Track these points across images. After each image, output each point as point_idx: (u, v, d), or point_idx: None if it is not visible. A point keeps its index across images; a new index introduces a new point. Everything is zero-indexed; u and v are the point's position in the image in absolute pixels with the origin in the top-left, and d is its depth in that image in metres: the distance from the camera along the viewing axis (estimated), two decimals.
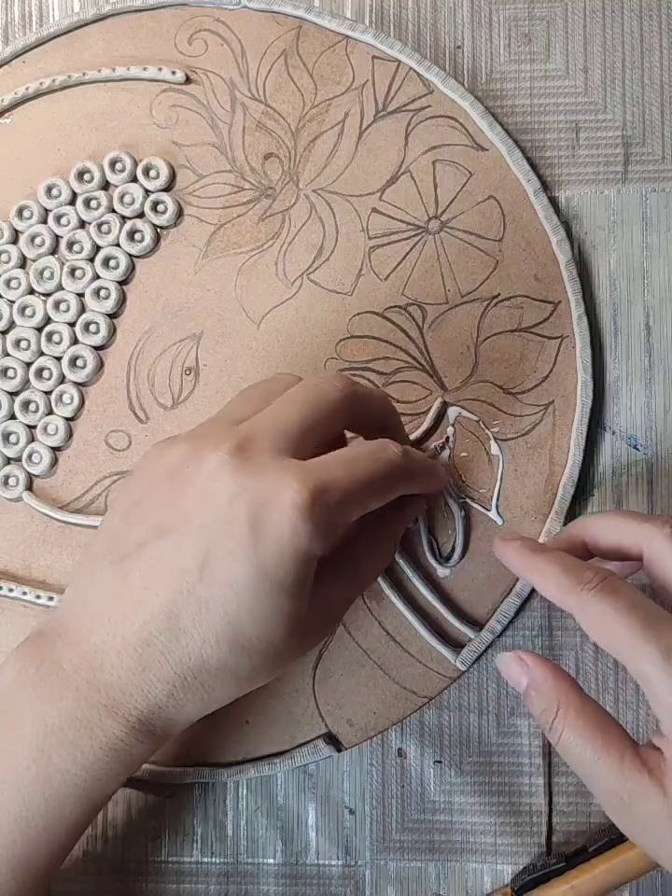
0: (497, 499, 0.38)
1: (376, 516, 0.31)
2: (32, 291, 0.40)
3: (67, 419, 0.39)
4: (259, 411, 0.30)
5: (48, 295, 0.39)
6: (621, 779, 0.28)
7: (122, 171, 0.40)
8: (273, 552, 0.27)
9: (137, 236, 0.39)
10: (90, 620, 0.29)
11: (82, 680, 0.28)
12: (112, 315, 0.39)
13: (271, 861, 0.37)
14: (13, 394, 0.39)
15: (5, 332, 0.40)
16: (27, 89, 0.40)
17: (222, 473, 0.28)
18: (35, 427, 0.39)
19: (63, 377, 0.39)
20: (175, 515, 0.28)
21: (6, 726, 0.29)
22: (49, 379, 0.39)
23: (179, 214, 0.40)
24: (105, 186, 0.40)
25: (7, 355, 0.39)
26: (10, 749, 0.28)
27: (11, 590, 0.38)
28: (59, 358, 0.39)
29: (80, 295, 0.39)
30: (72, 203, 0.40)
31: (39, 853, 0.29)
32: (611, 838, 0.34)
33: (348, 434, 0.35)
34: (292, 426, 0.29)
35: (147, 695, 0.28)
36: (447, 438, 0.38)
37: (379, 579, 0.37)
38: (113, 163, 0.40)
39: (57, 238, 0.40)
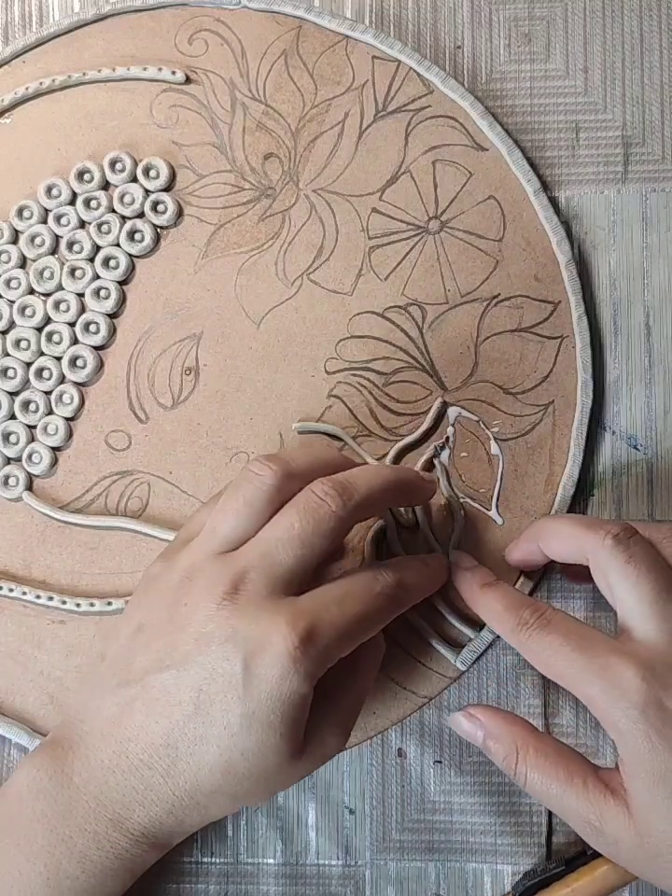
0: (497, 499, 0.38)
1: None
2: (32, 291, 0.40)
3: (67, 419, 0.39)
4: (250, 533, 0.31)
5: (48, 295, 0.39)
6: (587, 806, 0.30)
7: (122, 171, 0.40)
8: (263, 696, 0.28)
9: (137, 236, 0.39)
10: (99, 738, 0.30)
11: (91, 796, 0.30)
12: (112, 315, 0.39)
13: (271, 860, 0.37)
14: (13, 394, 0.39)
15: (5, 332, 0.40)
16: (27, 89, 0.40)
17: (216, 617, 0.29)
18: (35, 427, 0.39)
19: (63, 377, 0.39)
20: (174, 651, 0.29)
21: (20, 833, 0.30)
22: (48, 379, 0.39)
23: (179, 214, 0.40)
24: (105, 186, 0.40)
25: (7, 355, 0.39)
26: (24, 854, 0.30)
27: (11, 590, 0.38)
28: (59, 358, 0.39)
29: (80, 295, 0.39)
30: (72, 203, 0.40)
31: None
32: None
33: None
34: (287, 567, 0.30)
35: (148, 812, 0.30)
36: (447, 438, 0.38)
37: None
38: (113, 163, 0.40)
39: (57, 238, 0.40)
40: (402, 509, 0.37)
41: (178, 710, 0.29)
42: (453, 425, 0.38)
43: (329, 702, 0.31)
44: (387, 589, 0.31)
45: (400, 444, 0.38)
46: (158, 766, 0.29)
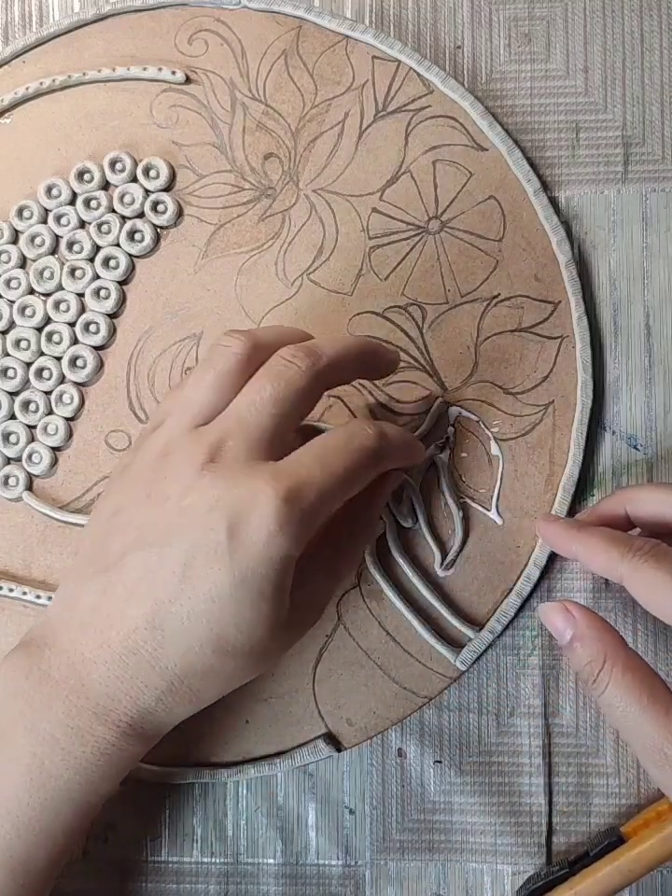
0: (497, 499, 0.38)
1: (350, 505, 0.32)
2: (32, 291, 0.40)
3: (67, 419, 0.39)
4: (222, 403, 0.30)
5: (48, 295, 0.39)
6: (665, 734, 0.29)
7: (122, 171, 0.40)
8: (250, 560, 0.27)
9: (137, 236, 0.39)
10: (77, 629, 0.29)
11: (72, 690, 0.29)
12: (112, 315, 0.39)
13: (271, 860, 0.37)
14: (13, 394, 0.39)
15: (5, 332, 0.40)
16: (27, 89, 0.40)
17: (197, 486, 0.28)
18: (35, 427, 0.39)
19: (63, 377, 0.39)
20: (155, 527, 0.28)
21: None
22: (48, 379, 0.39)
23: (179, 214, 0.40)
24: (105, 186, 0.40)
25: (7, 355, 0.39)
26: (4, 757, 0.29)
27: (11, 590, 0.38)
28: (59, 358, 0.39)
29: (80, 295, 0.39)
30: (72, 203, 0.40)
31: (38, 856, 0.29)
32: (611, 841, 0.34)
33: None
34: (263, 428, 0.29)
35: (135, 701, 0.29)
36: (447, 438, 0.38)
37: (379, 579, 0.37)
38: (113, 163, 0.40)
39: (57, 238, 0.40)
40: (401, 508, 0.37)
41: (163, 588, 0.28)
42: (453, 425, 0.38)
43: (316, 570, 0.30)
44: (368, 441, 0.30)
45: None
46: (144, 651, 0.28)
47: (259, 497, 0.28)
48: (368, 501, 0.33)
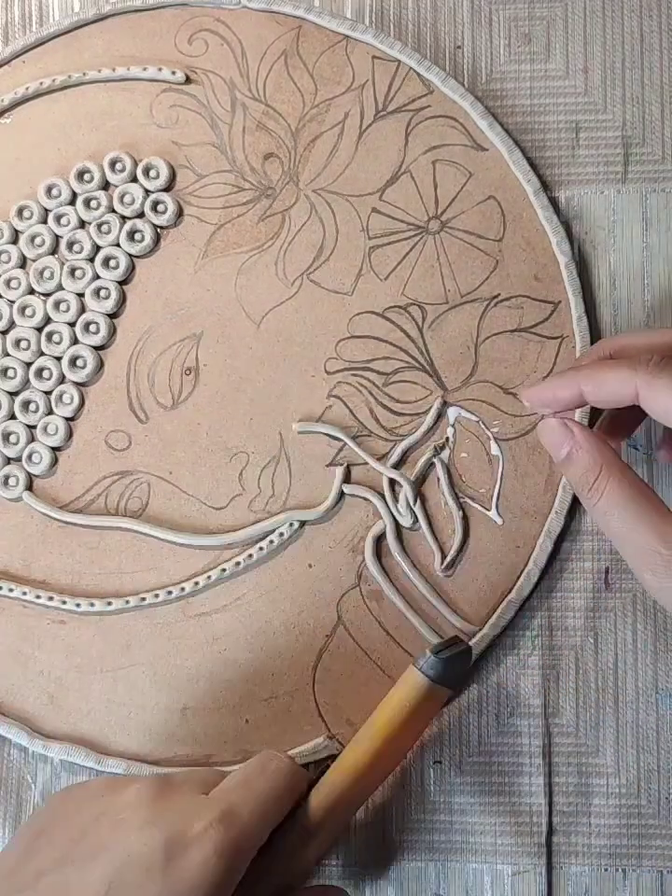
0: (497, 499, 0.38)
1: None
2: (32, 291, 0.40)
3: (67, 419, 0.39)
4: None
5: (48, 295, 0.39)
6: (660, 535, 0.29)
7: (122, 171, 0.40)
8: (184, 883, 0.27)
9: (137, 236, 0.39)
10: None
11: None
12: (112, 315, 0.39)
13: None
14: (13, 394, 0.39)
15: (5, 332, 0.40)
16: (27, 89, 0.40)
17: (139, 801, 0.29)
18: (34, 427, 0.39)
19: (63, 377, 0.39)
20: (84, 843, 0.28)
21: None
22: (48, 379, 0.39)
23: (179, 214, 0.40)
24: (105, 186, 0.40)
25: (7, 355, 0.39)
26: None
27: (11, 590, 0.38)
28: (59, 358, 0.39)
29: (80, 295, 0.39)
30: (72, 203, 0.40)
31: None
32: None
33: None
34: (207, 777, 0.31)
35: None
36: (447, 438, 0.38)
37: (379, 579, 0.37)
38: (113, 163, 0.40)
39: (57, 238, 0.40)
40: (401, 509, 0.37)
41: None
42: (453, 425, 0.38)
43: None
44: (282, 763, 0.32)
45: (404, 444, 0.38)
46: None
47: (198, 822, 0.28)
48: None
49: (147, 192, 0.40)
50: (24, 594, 0.38)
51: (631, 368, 0.30)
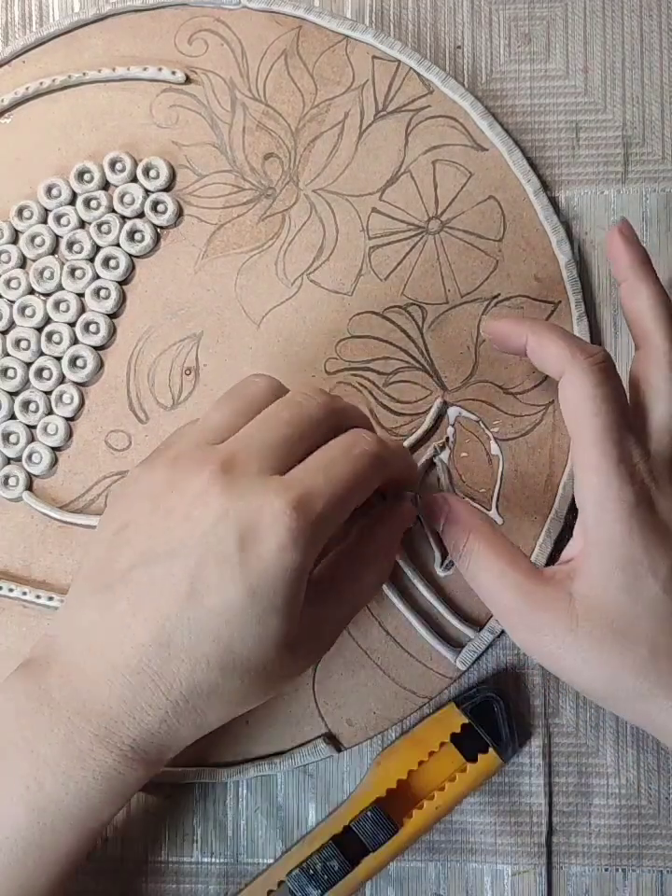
0: (497, 499, 0.38)
1: (367, 532, 0.32)
2: (32, 291, 0.40)
3: (67, 419, 0.39)
4: (239, 426, 0.30)
5: (48, 295, 0.39)
6: (525, 591, 0.31)
7: (122, 171, 0.40)
8: (261, 572, 0.27)
9: (137, 236, 0.39)
10: (79, 648, 0.29)
11: (73, 711, 0.28)
12: (112, 315, 0.39)
13: (271, 861, 0.37)
14: (13, 394, 0.39)
15: (5, 332, 0.40)
16: (27, 89, 0.40)
17: (207, 496, 0.28)
18: (34, 427, 0.39)
19: (63, 377, 0.39)
20: (162, 540, 0.28)
21: None
22: (48, 379, 0.39)
23: (179, 214, 0.40)
24: (105, 186, 0.40)
25: (7, 355, 0.39)
26: (4, 780, 0.28)
27: (11, 590, 0.38)
28: (59, 358, 0.39)
29: (80, 295, 0.39)
30: (72, 203, 0.40)
31: (38, 883, 0.29)
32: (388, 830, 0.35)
33: None
34: (275, 445, 0.29)
35: (138, 723, 0.28)
36: (447, 438, 0.38)
37: None
38: (113, 163, 0.40)
39: (57, 238, 0.40)
40: None
41: (169, 603, 0.27)
42: (453, 425, 0.38)
43: (329, 592, 0.30)
44: (369, 446, 0.30)
45: (406, 444, 0.38)
46: (148, 669, 0.27)
47: (269, 507, 0.27)
48: (380, 541, 0.33)
49: (147, 192, 0.40)
50: (24, 594, 0.38)
51: (571, 353, 0.31)
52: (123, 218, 0.40)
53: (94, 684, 0.28)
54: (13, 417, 0.39)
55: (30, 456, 0.39)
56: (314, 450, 0.30)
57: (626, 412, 0.31)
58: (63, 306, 0.39)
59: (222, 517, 0.27)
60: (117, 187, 0.40)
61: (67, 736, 0.28)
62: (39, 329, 0.39)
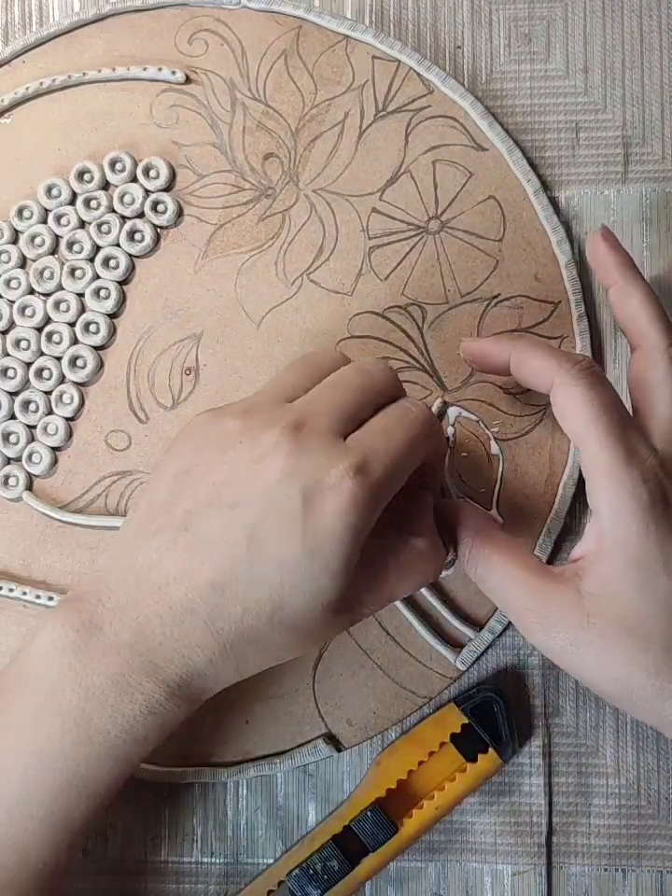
0: (497, 499, 0.38)
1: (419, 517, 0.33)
2: (32, 291, 0.40)
3: (67, 419, 0.39)
4: (309, 388, 0.31)
5: (48, 295, 0.39)
6: (535, 589, 0.31)
7: (122, 171, 0.40)
8: (322, 531, 0.27)
9: (137, 236, 0.39)
10: (133, 584, 0.29)
11: (124, 645, 0.29)
12: (112, 315, 0.39)
13: (271, 861, 0.37)
14: (13, 394, 0.39)
15: (5, 332, 0.40)
16: (27, 89, 0.40)
17: (276, 451, 0.28)
18: (34, 427, 0.39)
19: (63, 377, 0.39)
20: (226, 489, 0.28)
21: (47, 690, 0.29)
22: (48, 379, 0.39)
23: (179, 214, 0.40)
24: (105, 186, 0.40)
25: (7, 355, 0.39)
26: (51, 710, 0.29)
27: (11, 590, 0.38)
28: (59, 358, 0.39)
29: (80, 295, 0.39)
30: (72, 202, 0.40)
31: (79, 812, 0.30)
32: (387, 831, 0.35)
33: None
34: (345, 409, 0.30)
35: (187, 661, 0.29)
36: (447, 438, 0.38)
37: None
38: (113, 163, 0.40)
39: (57, 238, 0.40)
40: None
41: (229, 549, 0.28)
42: (453, 425, 0.38)
43: (375, 563, 0.30)
44: (421, 413, 0.31)
45: None
46: (201, 610, 0.28)
47: (334, 470, 0.28)
48: (421, 517, 0.33)
49: (147, 192, 0.40)
50: (24, 594, 0.38)
51: (557, 363, 0.31)
52: (123, 218, 0.40)
53: (147, 622, 0.29)
54: (13, 417, 0.39)
55: (30, 456, 0.39)
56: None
57: (625, 412, 0.31)
58: (63, 306, 0.39)
59: (288, 474, 0.28)
60: (117, 187, 0.40)
61: (118, 671, 0.29)
62: (39, 329, 0.39)
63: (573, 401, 0.31)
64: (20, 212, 0.40)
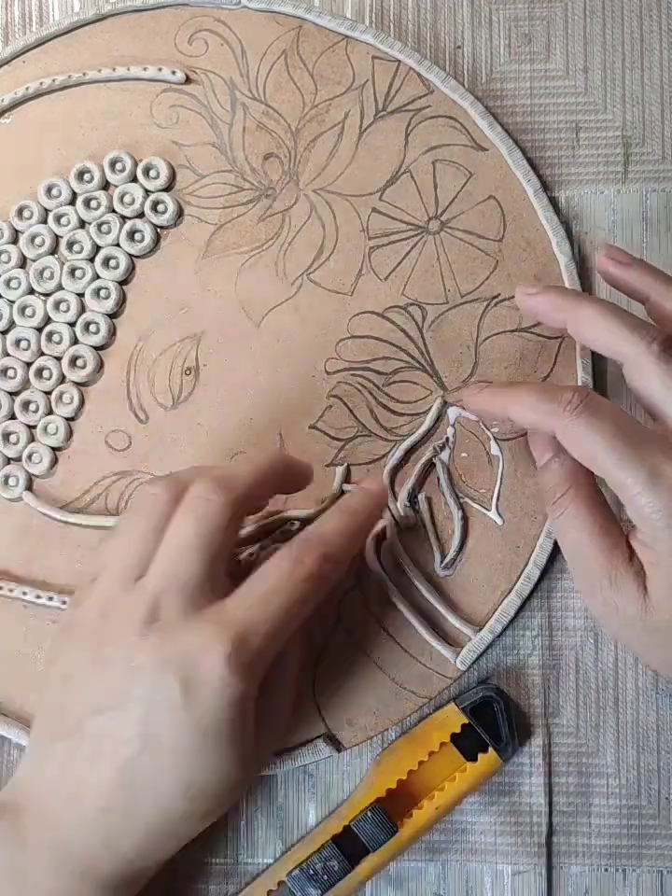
0: (497, 499, 0.38)
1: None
2: (32, 291, 0.40)
3: (67, 419, 0.39)
4: (150, 551, 0.31)
5: (48, 295, 0.39)
6: (608, 567, 0.31)
7: (122, 171, 0.40)
8: (207, 709, 0.28)
9: (137, 236, 0.39)
10: (47, 792, 0.30)
11: (51, 856, 0.29)
12: (112, 315, 0.39)
13: (271, 861, 0.37)
14: (13, 394, 0.39)
15: (5, 332, 0.40)
16: (27, 89, 0.40)
17: (143, 647, 0.29)
18: (34, 426, 0.39)
19: (63, 377, 0.39)
20: (107, 692, 0.29)
21: None
22: (49, 379, 0.39)
23: (179, 214, 0.40)
24: (105, 186, 0.40)
25: (7, 355, 0.39)
26: None
27: (11, 590, 0.38)
28: (59, 358, 0.39)
29: (80, 295, 0.39)
30: (72, 203, 0.40)
31: None
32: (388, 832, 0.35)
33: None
34: (195, 576, 0.30)
35: (115, 855, 0.29)
36: (447, 438, 0.38)
37: (378, 579, 0.37)
38: (113, 163, 0.40)
39: (57, 238, 0.40)
40: (402, 511, 0.37)
41: (125, 748, 0.28)
42: (453, 425, 0.38)
43: (264, 698, 0.31)
44: (312, 568, 0.30)
45: (404, 445, 0.38)
46: (116, 808, 0.29)
47: (206, 650, 0.28)
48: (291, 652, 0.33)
49: (147, 192, 0.40)
50: (24, 594, 0.38)
51: (550, 410, 0.31)
52: (123, 218, 0.40)
53: (68, 828, 0.29)
54: (13, 417, 0.39)
55: (30, 456, 0.39)
56: (232, 544, 0.32)
57: (637, 428, 0.30)
58: (63, 306, 0.39)
59: (162, 667, 0.28)
60: (117, 187, 0.40)
61: (47, 877, 0.29)
62: (39, 329, 0.39)
63: (578, 441, 0.30)
64: (20, 212, 0.40)
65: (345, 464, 0.38)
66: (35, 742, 0.31)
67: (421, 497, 0.38)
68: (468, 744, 0.36)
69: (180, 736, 0.28)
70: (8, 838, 0.30)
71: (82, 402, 0.39)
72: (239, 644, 0.28)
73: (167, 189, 0.40)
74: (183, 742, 0.28)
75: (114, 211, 0.40)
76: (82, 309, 0.39)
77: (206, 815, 0.30)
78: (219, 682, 0.28)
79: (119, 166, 0.40)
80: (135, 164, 0.40)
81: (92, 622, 0.30)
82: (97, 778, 0.29)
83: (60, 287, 0.39)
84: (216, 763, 0.29)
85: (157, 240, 0.40)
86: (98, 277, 0.39)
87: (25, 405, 0.39)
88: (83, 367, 0.39)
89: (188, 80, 0.40)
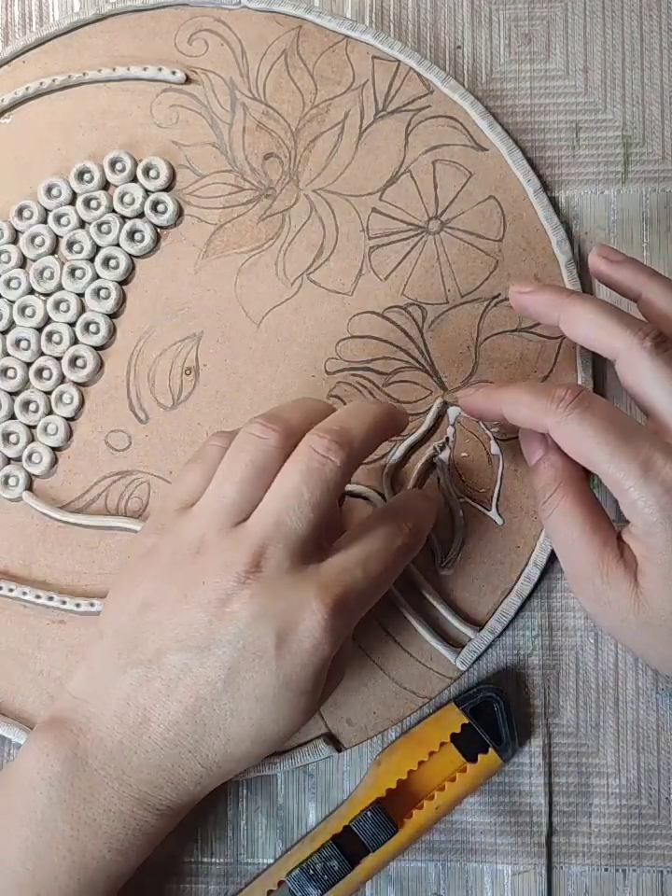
0: (497, 499, 0.38)
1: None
2: (32, 291, 0.40)
3: (67, 419, 0.39)
4: (256, 498, 0.30)
5: (48, 295, 0.39)
6: (599, 564, 0.31)
7: (122, 171, 0.40)
8: (295, 665, 0.29)
9: (137, 236, 0.39)
10: (112, 718, 0.30)
11: (112, 778, 0.30)
12: (112, 315, 0.39)
13: (271, 861, 0.37)
14: (13, 394, 0.39)
15: (5, 332, 0.40)
16: (27, 89, 0.40)
17: (241, 594, 0.29)
18: (34, 426, 0.39)
19: (63, 377, 0.39)
20: (195, 630, 0.29)
21: (38, 820, 0.30)
22: (48, 379, 0.39)
23: (179, 214, 0.40)
24: (105, 186, 0.40)
25: (7, 355, 0.39)
26: (46, 841, 0.30)
27: (11, 590, 0.38)
28: (59, 358, 0.39)
29: (80, 295, 0.39)
30: (72, 203, 0.40)
31: None
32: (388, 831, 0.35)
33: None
34: (303, 535, 0.30)
35: (176, 788, 0.30)
36: (447, 438, 0.38)
37: None
38: (113, 163, 0.40)
39: (57, 238, 0.40)
40: None
41: (206, 688, 0.29)
42: (453, 425, 0.38)
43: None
44: (407, 539, 0.31)
45: (404, 444, 0.38)
46: (185, 743, 0.29)
47: (306, 609, 0.29)
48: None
49: (147, 192, 0.40)
50: (24, 594, 0.38)
51: (542, 408, 0.31)
52: (123, 218, 0.40)
53: (132, 754, 0.30)
54: (13, 417, 0.39)
55: (30, 456, 0.39)
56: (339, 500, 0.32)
57: (629, 424, 0.30)
58: (63, 306, 0.39)
59: (259, 616, 0.29)
60: (117, 187, 0.40)
61: (108, 800, 0.30)
62: (39, 329, 0.39)
63: (570, 437, 0.31)
64: (20, 212, 0.40)
65: None
66: (101, 661, 0.31)
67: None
68: (468, 744, 0.36)
69: (263, 687, 0.29)
70: (71, 756, 0.30)
71: (82, 402, 0.39)
72: (336, 608, 0.29)
73: (167, 189, 0.40)
74: (264, 692, 0.29)
75: (114, 211, 0.40)
76: (82, 309, 0.39)
77: (260, 756, 0.31)
78: (313, 642, 0.28)
79: (118, 166, 0.40)
80: (135, 164, 0.40)
81: (183, 556, 0.30)
82: (170, 711, 0.29)
83: (60, 287, 0.39)
84: (288, 715, 0.29)
85: (157, 240, 0.40)
86: (98, 277, 0.39)
87: (25, 405, 0.39)
88: (83, 367, 0.39)
89: (188, 80, 0.40)
